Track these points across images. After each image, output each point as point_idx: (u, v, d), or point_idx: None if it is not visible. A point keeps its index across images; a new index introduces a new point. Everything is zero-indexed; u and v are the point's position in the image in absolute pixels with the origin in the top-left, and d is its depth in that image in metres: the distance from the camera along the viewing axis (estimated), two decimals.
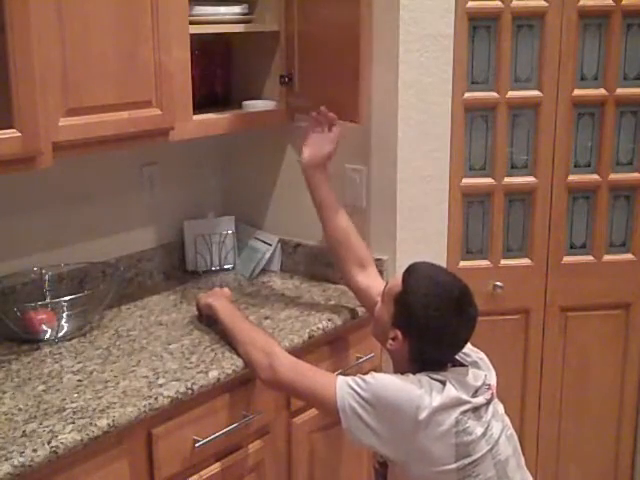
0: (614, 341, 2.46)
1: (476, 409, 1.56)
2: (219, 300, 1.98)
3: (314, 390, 1.65)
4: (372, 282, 1.95)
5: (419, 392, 1.53)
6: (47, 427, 1.50)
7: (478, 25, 2.19)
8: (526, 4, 2.19)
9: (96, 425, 1.52)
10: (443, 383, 1.56)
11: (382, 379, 1.59)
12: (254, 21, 2.22)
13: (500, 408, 1.66)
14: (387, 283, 1.72)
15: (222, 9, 2.11)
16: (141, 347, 1.90)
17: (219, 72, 2.29)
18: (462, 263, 2.35)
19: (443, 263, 2.30)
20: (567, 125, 2.28)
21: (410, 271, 1.66)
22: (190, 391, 1.69)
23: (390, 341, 1.64)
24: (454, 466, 1.54)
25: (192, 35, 1.95)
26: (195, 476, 1.75)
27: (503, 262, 2.37)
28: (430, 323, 1.58)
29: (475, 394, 1.58)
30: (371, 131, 2.22)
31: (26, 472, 1.40)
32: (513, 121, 2.28)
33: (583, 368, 2.46)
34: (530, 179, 2.32)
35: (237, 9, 2.14)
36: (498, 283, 2.34)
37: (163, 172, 2.41)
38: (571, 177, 2.33)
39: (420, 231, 2.25)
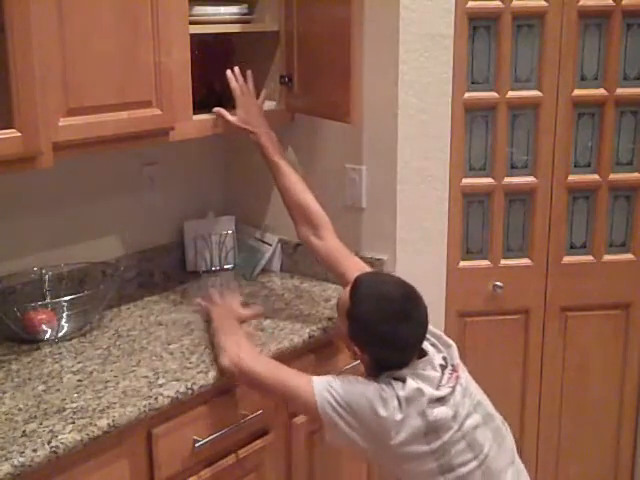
0: (614, 341, 2.46)
1: (441, 398, 1.61)
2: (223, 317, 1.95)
3: (290, 390, 1.67)
4: (330, 245, 1.96)
5: (387, 396, 1.58)
6: (47, 427, 1.50)
7: (478, 25, 2.19)
8: (526, 4, 2.19)
9: (96, 425, 1.52)
10: (404, 380, 1.61)
11: (356, 386, 1.63)
12: (254, 21, 2.22)
13: (466, 381, 1.70)
14: (340, 296, 1.76)
15: (222, 9, 2.11)
16: (141, 347, 1.90)
17: (219, 72, 2.29)
18: (462, 263, 2.35)
19: (443, 263, 2.30)
20: (567, 125, 2.28)
21: (355, 286, 1.70)
22: (190, 391, 1.69)
23: (353, 353, 1.71)
24: (427, 448, 1.59)
25: (192, 35, 1.95)
26: (195, 476, 1.76)
27: (503, 262, 2.37)
28: (381, 335, 1.64)
29: (439, 385, 1.63)
30: (371, 131, 2.22)
31: (26, 472, 1.40)
32: (513, 121, 2.28)
33: (583, 368, 2.46)
34: (530, 179, 2.32)
35: (237, 9, 2.14)
36: (498, 283, 2.34)
37: (163, 172, 2.41)
38: (571, 177, 2.33)
39: (420, 231, 2.26)
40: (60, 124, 1.68)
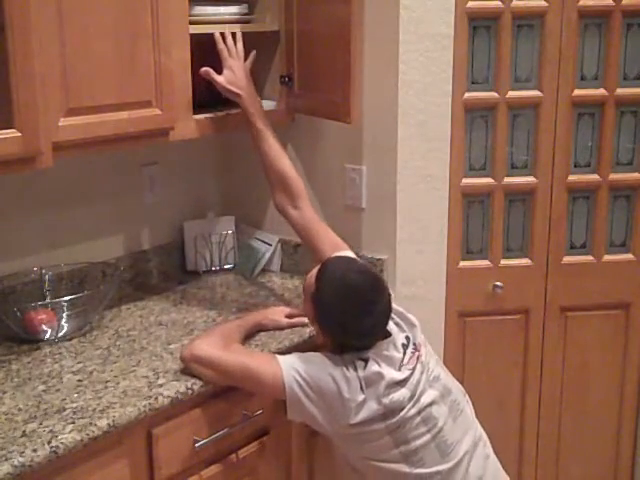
0: (614, 341, 2.46)
1: (401, 381, 1.66)
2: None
3: (256, 371, 1.69)
4: (306, 216, 2.00)
5: (351, 377, 1.64)
6: (47, 427, 1.50)
7: (478, 25, 2.19)
8: (526, 4, 2.19)
9: (96, 425, 1.52)
10: (366, 361, 1.66)
11: (321, 366, 1.67)
12: (254, 21, 2.22)
13: (426, 357, 1.75)
14: (306, 278, 1.79)
15: (222, 9, 2.11)
16: (141, 347, 1.90)
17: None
18: (462, 263, 2.35)
19: (443, 263, 2.30)
20: (567, 125, 2.28)
21: (322, 271, 1.73)
22: (190, 391, 1.69)
23: (316, 335, 1.77)
24: (382, 425, 1.65)
25: (192, 35, 1.95)
26: (195, 476, 1.75)
27: (503, 262, 2.37)
28: (345, 324, 1.69)
29: (401, 365, 1.68)
30: (371, 131, 2.22)
31: (26, 472, 1.40)
32: (513, 121, 2.28)
33: (583, 368, 2.46)
34: (530, 179, 2.32)
35: (237, 9, 2.14)
36: (498, 283, 2.34)
37: (163, 172, 2.41)
38: (571, 177, 2.33)
39: (420, 231, 2.25)
40: (60, 124, 1.67)
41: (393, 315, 1.77)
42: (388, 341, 1.71)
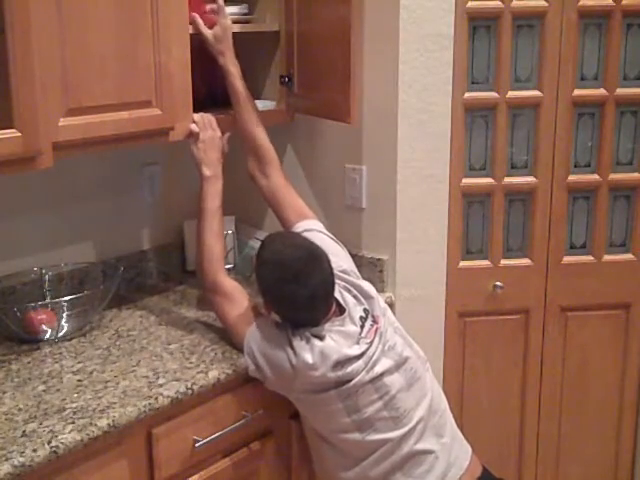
0: (614, 341, 2.46)
1: (359, 355, 1.69)
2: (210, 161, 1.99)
3: (231, 327, 1.85)
4: (273, 184, 2.05)
5: (302, 350, 1.67)
6: (47, 427, 1.50)
7: (478, 25, 2.19)
8: (526, 4, 2.19)
9: (96, 425, 1.52)
10: (322, 338, 1.69)
11: (276, 342, 1.72)
12: (254, 21, 2.22)
13: (385, 327, 1.77)
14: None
15: None
16: (141, 347, 1.90)
17: (219, 72, 2.29)
18: (462, 263, 2.35)
19: (443, 263, 2.30)
20: (567, 125, 2.28)
21: (260, 248, 1.78)
22: (190, 391, 1.69)
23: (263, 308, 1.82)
24: (334, 392, 1.68)
25: (192, 35, 1.95)
26: (195, 476, 1.76)
27: (503, 262, 2.37)
28: (281, 299, 1.73)
29: (359, 339, 1.71)
30: (371, 131, 2.22)
31: (26, 472, 1.41)
32: (513, 121, 2.28)
33: (583, 368, 2.46)
34: (530, 179, 2.32)
35: (237, 9, 2.15)
36: (498, 283, 2.34)
37: (163, 172, 2.41)
38: (571, 177, 2.33)
39: (420, 231, 2.26)
40: (60, 124, 1.67)
41: (350, 288, 1.80)
42: (343, 317, 1.73)
